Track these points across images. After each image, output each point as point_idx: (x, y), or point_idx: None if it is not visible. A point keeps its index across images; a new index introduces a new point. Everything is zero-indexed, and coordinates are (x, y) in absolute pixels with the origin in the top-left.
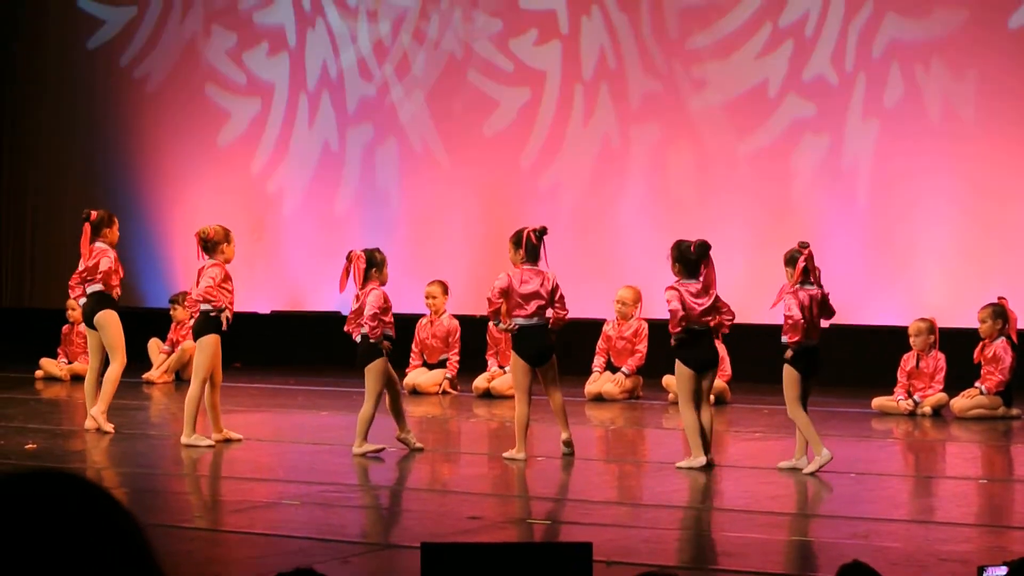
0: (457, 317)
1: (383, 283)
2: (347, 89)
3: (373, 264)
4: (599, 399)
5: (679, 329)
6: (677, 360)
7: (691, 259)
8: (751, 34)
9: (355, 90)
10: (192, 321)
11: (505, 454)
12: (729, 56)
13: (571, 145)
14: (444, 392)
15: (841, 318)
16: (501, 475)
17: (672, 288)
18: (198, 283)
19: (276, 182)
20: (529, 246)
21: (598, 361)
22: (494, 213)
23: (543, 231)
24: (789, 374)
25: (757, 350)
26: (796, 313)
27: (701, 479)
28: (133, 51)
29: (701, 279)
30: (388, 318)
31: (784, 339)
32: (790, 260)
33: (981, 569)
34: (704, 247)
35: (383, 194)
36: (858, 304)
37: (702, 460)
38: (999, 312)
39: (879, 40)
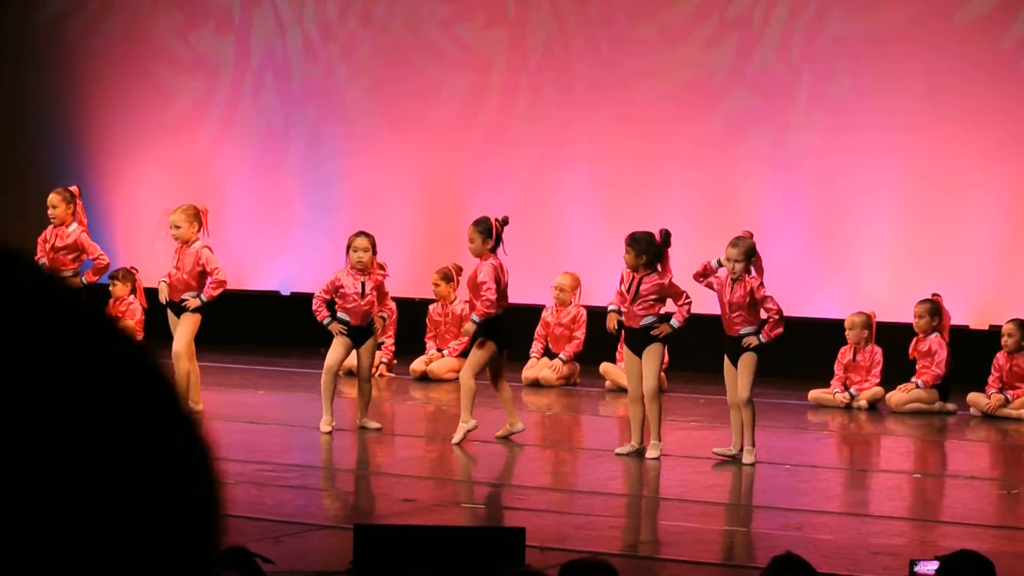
0: (395, 300)
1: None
2: (292, 70)
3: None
4: (536, 385)
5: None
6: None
7: (655, 250)
8: (698, 24)
9: (301, 71)
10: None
11: (457, 434)
12: (675, 46)
13: (515, 131)
14: (380, 375)
15: (782, 310)
16: (437, 459)
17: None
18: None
19: (220, 161)
20: (497, 236)
21: (536, 347)
22: (438, 198)
23: (506, 221)
24: (755, 362)
25: (694, 339)
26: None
27: (636, 467)
28: (80, 26)
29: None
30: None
31: (772, 334)
32: (751, 250)
33: (913, 563)
34: (667, 235)
35: (327, 176)
36: (799, 296)
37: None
38: (935, 309)
39: (826, 33)
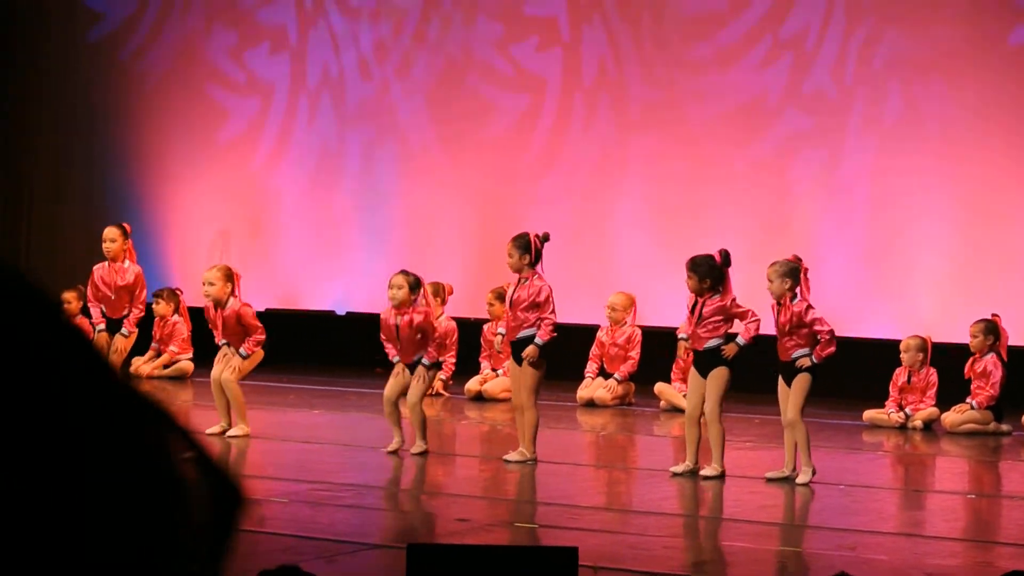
0: (455, 319)
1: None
2: (347, 89)
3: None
4: (591, 405)
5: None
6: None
7: (720, 271)
8: (751, 46)
9: (355, 90)
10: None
11: (511, 456)
12: (729, 67)
13: (569, 152)
14: (437, 393)
15: (836, 331)
16: (491, 478)
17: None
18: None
19: (274, 181)
20: (537, 252)
21: (591, 367)
22: (491, 217)
23: (546, 237)
24: (808, 383)
25: (748, 360)
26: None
27: (690, 487)
28: (133, 46)
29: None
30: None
31: (824, 354)
32: (790, 272)
33: None
34: (727, 255)
35: (381, 195)
36: (852, 317)
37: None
38: (991, 328)
39: (879, 54)
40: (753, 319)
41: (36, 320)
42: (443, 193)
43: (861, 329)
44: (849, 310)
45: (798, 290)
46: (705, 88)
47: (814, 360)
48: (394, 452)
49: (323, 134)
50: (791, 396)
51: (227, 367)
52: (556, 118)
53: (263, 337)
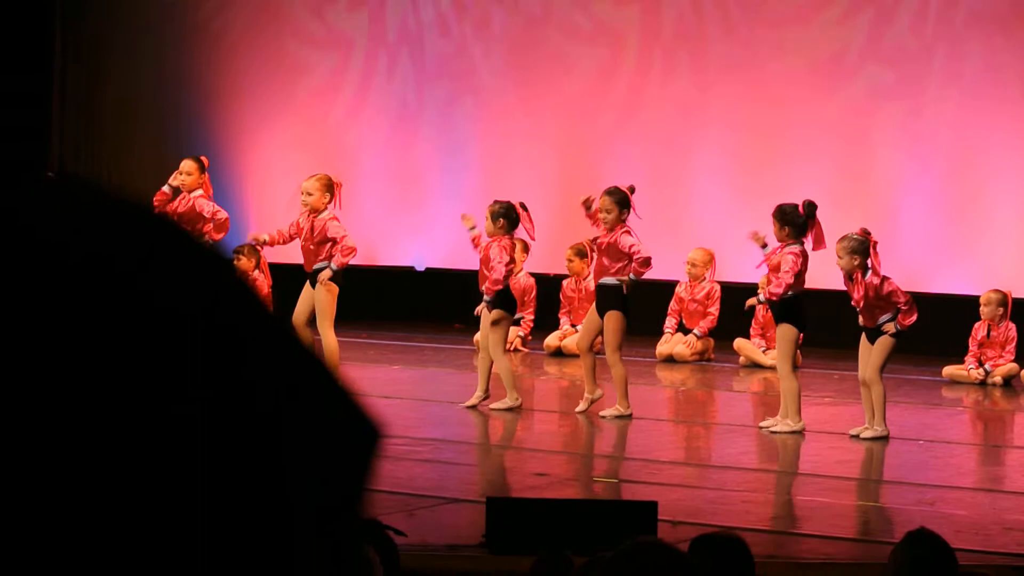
0: (533, 275)
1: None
2: (425, 45)
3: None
4: (670, 360)
5: (785, 291)
6: (786, 322)
7: (798, 222)
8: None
9: (434, 46)
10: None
11: (607, 412)
12: (809, 21)
13: (648, 107)
14: (515, 349)
15: (914, 286)
16: (570, 433)
17: (796, 253)
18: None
19: (352, 136)
20: (629, 205)
21: (670, 322)
22: (570, 174)
23: (632, 189)
24: (891, 346)
25: (829, 314)
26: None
27: (769, 442)
28: (211, 4)
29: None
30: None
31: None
32: (859, 248)
33: None
34: (811, 206)
35: (460, 152)
36: (932, 272)
37: (801, 424)
38: None
39: (960, 8)
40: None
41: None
42: (522, 149)
43: (940, 284)
44: (928, 264)
45: (869, 263)
46: (785, 42)
47: (898, 327)
48: (473, 407)
49: (401, 90)
50: (872, 356)
51: (318, 311)
52: (635, 73)
53: (353, 246)
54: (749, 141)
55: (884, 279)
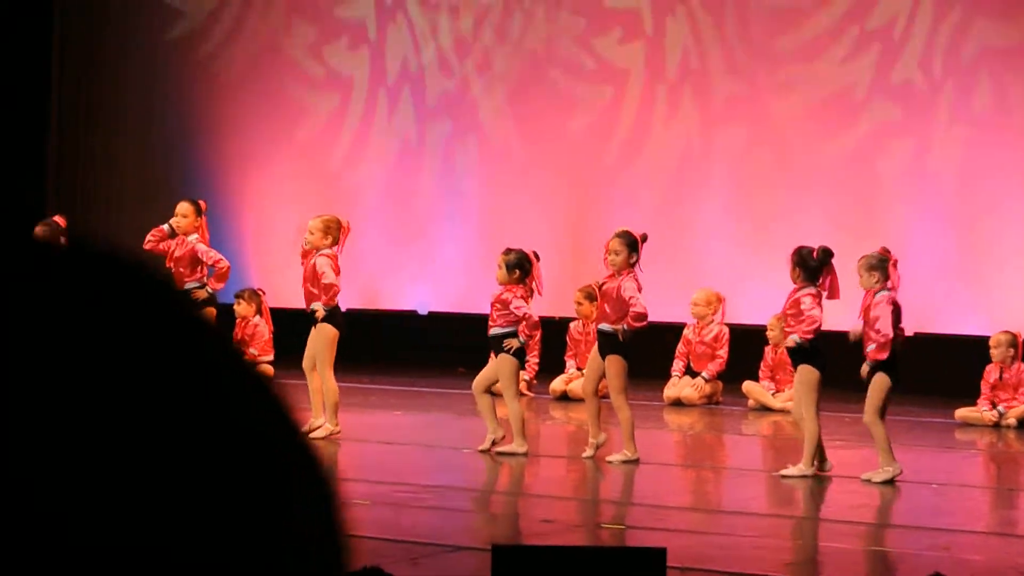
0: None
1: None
2: (427, 84)
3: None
4: (678, 404)
5: (811, 335)
6: (805, 365)
7: (811, 265)
8: (837, 37)
9: (435, 85)
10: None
11: (614, 457)
12: (814, 59)
13: (652, 146)
14: (521, 393)
15: (924, 327)
16: (577, 479)
17: (813, 295)
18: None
19: (354, 178)
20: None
21: (677, 365)
22: (575, 214)
23: (644, 238)
24: (884, 383)
25: (840, 356)
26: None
27: (780, 486)
28: (212, 44)
29: (820, 285)
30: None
31: (876, 356)
32: (878, 264)
33: None
34: (827, 253)
35: (462, 192)
36: (941, 313)
37: (812, 469)
38: None
39: (968, 45)
40: (810, 326)
41: (172, 321)
42: (526, 189)
43: (950, 325)
44: (937, 305)
45: (888, 283)
46: (790, 80)
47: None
48: (485, 450)
49: (403, 130)
50: (868, 397)
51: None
52: (639, 112)
53: (336, 287)
54: (755, 181)
55: (887, 304)
